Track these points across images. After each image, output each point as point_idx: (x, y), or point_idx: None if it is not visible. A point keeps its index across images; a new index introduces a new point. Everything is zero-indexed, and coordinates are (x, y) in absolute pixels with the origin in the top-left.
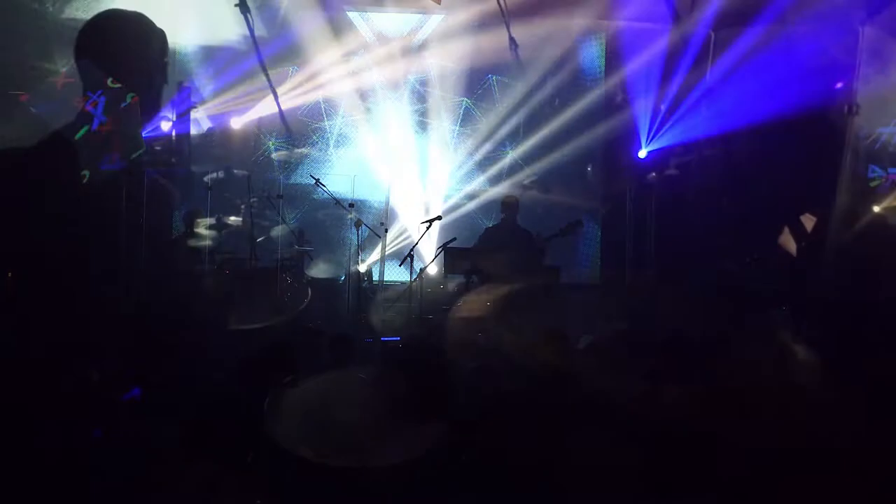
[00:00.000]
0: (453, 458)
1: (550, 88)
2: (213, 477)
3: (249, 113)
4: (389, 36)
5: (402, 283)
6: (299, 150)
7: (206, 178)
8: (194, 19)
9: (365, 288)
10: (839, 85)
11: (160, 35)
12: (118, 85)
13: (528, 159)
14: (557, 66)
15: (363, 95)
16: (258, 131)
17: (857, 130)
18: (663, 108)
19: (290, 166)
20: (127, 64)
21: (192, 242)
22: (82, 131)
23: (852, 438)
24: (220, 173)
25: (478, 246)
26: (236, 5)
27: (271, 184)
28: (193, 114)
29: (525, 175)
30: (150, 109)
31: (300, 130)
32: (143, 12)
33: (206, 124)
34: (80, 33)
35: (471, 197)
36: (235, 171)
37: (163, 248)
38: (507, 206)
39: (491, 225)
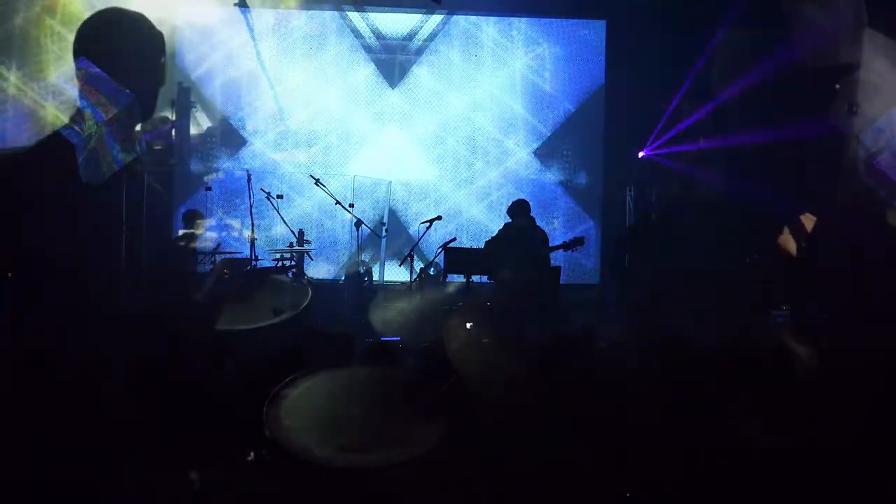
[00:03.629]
0: (457, 459)
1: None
2: (214, 477)
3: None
4: (389, 36)
5: (402, 282)
6: (298, 150)
7: (206, 178)
8: (194, 18)
9: (365, 288)
10: (839, 85)
11: (158, 36)
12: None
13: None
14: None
15: (363, 94)
16: (259, 131)
17: (858, 131)
18: (663, 106)
19: (289, 166)
20: (125, 63)
21: (192, 243)
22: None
23: (852, 438)
24: (220, 173)
25: (487, 247)
26: (236, 4)
27: (271, 184)
28: (193, 113)
29: None
30: (149, 109)
31: (299, 130)
32: (144, 10)
33: (205, 124)
34: (78, 32)
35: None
36: (235, 171)
37: (162, 248)
38: (516, 209)
39: (509, 224)
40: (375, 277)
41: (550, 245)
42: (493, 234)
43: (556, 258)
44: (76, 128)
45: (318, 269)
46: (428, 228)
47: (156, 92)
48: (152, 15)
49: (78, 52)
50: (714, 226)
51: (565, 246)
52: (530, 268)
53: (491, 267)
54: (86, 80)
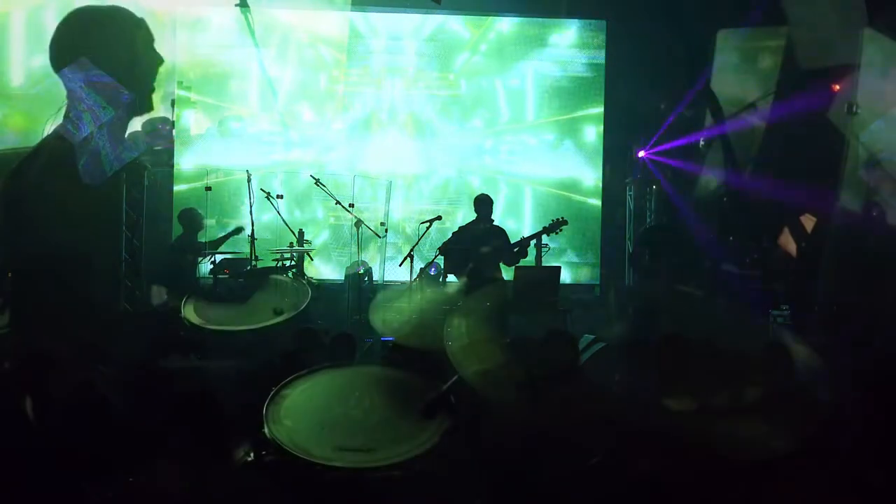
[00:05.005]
0: (454, 459)
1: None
2: (213, 477)
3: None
4: (389, 35)
5: (402, 283)
6: (298, 150)
7: (205, 178)
8: (195, 18)
9: (365, 288)
10: (838, 86)
11: (141, 23)
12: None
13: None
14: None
15: (364, 94)
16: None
17: (858, 131)
18: (663, 107)
19: (290, 166)
20: (114, 57)
21: (192, 243)
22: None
23: (853, 441)
24: (219, 173)
25: (447, 244)
26: (237, 5)
27: (271, 183)
28: (194, 114)
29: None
30: (146, 103)
31: (300, 130)
32: (145, 9)
33: (205, 124)
34: (58, 31)
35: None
36: (235, 171)
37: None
38: (480, 204)
39: (464, 224)
40: (375, 277)
41: (527, 235)
42: (450, 238)
43: (557, 257)
44: (75, 126)
45: (317, 269)
46: (428, 228)
47: (150, 79)
48: (153, 15)
49: (66, 52)
50: (715, 226)
51: (546, 230)
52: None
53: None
54: (81, 81)
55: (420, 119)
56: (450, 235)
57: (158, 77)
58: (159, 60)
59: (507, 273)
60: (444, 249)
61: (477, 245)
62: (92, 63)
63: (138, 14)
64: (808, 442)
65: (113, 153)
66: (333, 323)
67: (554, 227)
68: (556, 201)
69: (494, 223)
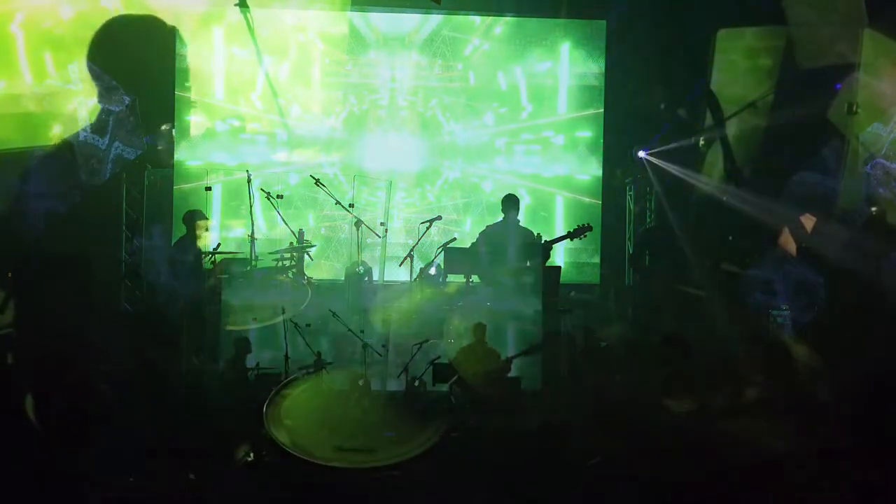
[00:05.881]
0: (455, 458)
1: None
2: (214, 477)
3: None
4: (390, 36)
5: (403, 282)
6: (298, 150)
7: (206, 178)
8: (194, 18)
9: (365, 288)
10: (839, 85)
11: (168, 33)
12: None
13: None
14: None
15: (365, 95)
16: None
17: (858, 131)
18: (663, 107)
19: (289, 166)
20: (127, 66)
21: (193, 243)
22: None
23: (851, 440)
24: (219, 173)
25: (476, 246)
26: (236, 5)
27: (271, 184)
28: (194, 113)
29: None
30: (152, 110)
31: (299, 130)
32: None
33: (205, 124)
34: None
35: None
36: (235, 171)
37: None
38: (508, 203)
39: (491, 223)
40: (375, 277)
41: (551, 240)
42: (478, 239)
43: (558, 258)
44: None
45: (317, 269)
46: (428, 228)
47: (164, 91)
48: (154, 15)
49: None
50: (715, 226)
51: (570, 235)
52: (526, 269)
53: (486, 271)
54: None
55: (419, 118)
56: (477, 236)
57: (160, 77)
58: (170, 63)
59: None
60: (476, 251)
61: (506, 246)
62: (95, 66)
63: (142, 13)
64: (808, 442)
65: (115, 153)
66: (333, 323)
67: (579, 233)
68: (555, 201)
69: (520, 223)
